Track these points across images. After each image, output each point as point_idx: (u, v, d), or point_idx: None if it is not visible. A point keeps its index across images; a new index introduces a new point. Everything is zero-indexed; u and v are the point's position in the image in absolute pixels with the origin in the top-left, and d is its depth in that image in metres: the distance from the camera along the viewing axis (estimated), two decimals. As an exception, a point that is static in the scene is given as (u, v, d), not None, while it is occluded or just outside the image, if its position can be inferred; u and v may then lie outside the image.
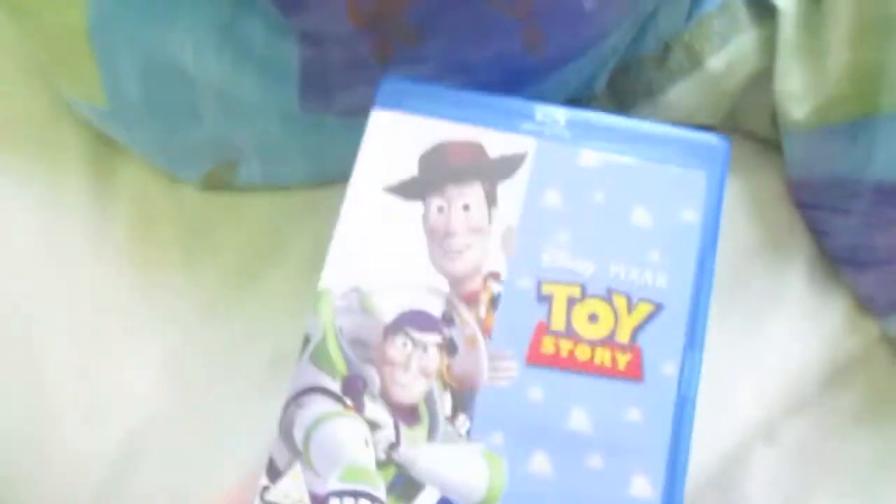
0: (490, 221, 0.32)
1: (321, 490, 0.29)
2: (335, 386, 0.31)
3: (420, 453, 0.29)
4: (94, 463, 0.39)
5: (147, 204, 0.43)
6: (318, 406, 0.30)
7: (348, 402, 0.30)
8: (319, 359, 0.31)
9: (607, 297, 0.31)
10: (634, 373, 0.30)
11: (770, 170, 0.40)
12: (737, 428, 0.36)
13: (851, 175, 0.37)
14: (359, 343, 0.31)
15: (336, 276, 0.32)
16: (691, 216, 0.32)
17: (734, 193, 0.39)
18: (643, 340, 0.30)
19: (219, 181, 0.43)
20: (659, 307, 0.31)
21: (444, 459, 0.29)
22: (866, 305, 0.38)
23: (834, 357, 0.37)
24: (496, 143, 0.33)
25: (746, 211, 0.39)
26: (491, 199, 0.33)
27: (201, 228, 0.42)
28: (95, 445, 0.39)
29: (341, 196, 0.33)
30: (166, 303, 0.41)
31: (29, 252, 0.42)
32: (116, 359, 0.40)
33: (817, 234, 0.38)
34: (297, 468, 0.30)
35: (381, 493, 0.29)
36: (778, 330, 0.38)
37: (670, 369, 0.30)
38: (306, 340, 0.31)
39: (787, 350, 0.37)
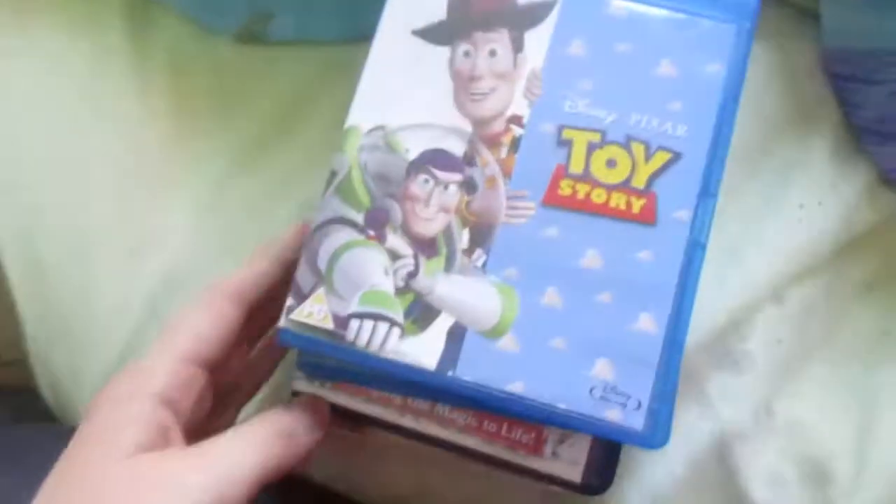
0: (515, 67, 0.33)
1: (343, 311, 0.31)
2: (358, 218, 0.32)
3: (437, 282, 0.31)
4: (130, 301, 0.41)
5: (183, 57, 0.43)
6: (341, 235, 0.32)
7: (371, 232, 0.32)
8: (344, 192, 0.32)
9: (626, 145, 0.32)
10: (648, 216, 0.31)
11: (805, 38, 0.39)
12: (746, 287, 0.37)
13: (888, 45, 0.36)
14: (382, 178, 0.32)
15: (362, 114, 0.33)
16: (716, 68, 0.32)
17: (766, 60, 0.39)
18: (659, 187, 0.31)
19: (252, 35, 0.43)
20: (677, 156, 0.31)
21: (459, 289, 0.31)
22: (888, 178, 0.38)
23: (850, 226, 0.38)
24: (526, -10, 0.33)
25: (777, 78, 0.39)
26: (517, 46, 0.33)
27: (235, 81, 0.43)
28: (133, 285, 0.41)
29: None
30: (201, 152, 0.42)
31: (71, 104, 0.43)
32: (154, 203, 0.42)
33: (846, 105, 0.38)
34: (321, 291, 0.31)
35: (398, 316, 0.31)
36: (797, 196, 0.38)
37: (683, 215, 0.31)
38: (332, 175, 0.33)
39: (804, 216, 0.38)
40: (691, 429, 0.37)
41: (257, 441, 0.29)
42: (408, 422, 0.33)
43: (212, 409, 0.32)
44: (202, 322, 0.32)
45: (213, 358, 0.31)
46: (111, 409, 0.29)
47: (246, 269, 0.33)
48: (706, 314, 0.37)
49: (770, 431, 0.36)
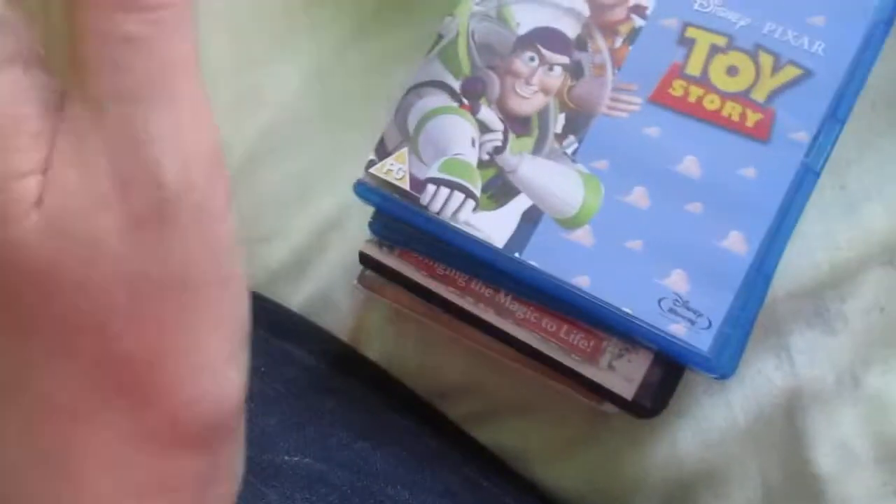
0: (650, -45, 0.31)
1: (421, 175, 0.30)
2: (456, 84, 0.31)
3: (523, 162, 0.30)
4: (232, 150, 0.42)
5: None
6: (435, 99, 0.31)
7: (465, 101, 0.31)
8: (446, 56, 0.31)
9: (753, 53, 0.29)
10: (762, 132, 0.28)
11: None
12: (857, 243, 0.34)
13: None
14: (488, 49, 0.31)
15: (480, -19, 0.32)
16: (873, -13, 0.29)
17: None
18: (780, 104, 0.29)
19: None
20: (808, 73, 0.29)
21: (543, 172, 0.30)
22: None
23: None
24: None
25: None
26: (657, -66, 0.31)
27: None
28: (236, 135, 0.42)
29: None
30: (323, 18, 0.42)
31: None
32: (268, 62, 0.42)
33: None
34: (404, 151, 0.31)
35: (476, 188, 0.30)
36: None
37: (802, 136, 0.28)
38: (438, 37, 0.32)
39: None
40: (763, 379, 0.34)
41: None
42: (468, 304, 0.32)
43: None
44: None
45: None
46: None
47: None
48: (806, 263, 0.34)
49: (852, 401, 0.33)
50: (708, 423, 0.34)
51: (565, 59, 0.30)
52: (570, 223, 0.29)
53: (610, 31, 0.30)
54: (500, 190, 0.30)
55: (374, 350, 0.39)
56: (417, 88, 0.31)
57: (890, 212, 0.34)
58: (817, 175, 0.28)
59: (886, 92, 0.35)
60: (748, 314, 0.28)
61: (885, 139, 0.35)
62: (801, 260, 0.34)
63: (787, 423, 0.34)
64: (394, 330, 0.38)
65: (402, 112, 0.31)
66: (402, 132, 0.31)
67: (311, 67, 0.42)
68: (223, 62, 0.43)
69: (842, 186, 0.35)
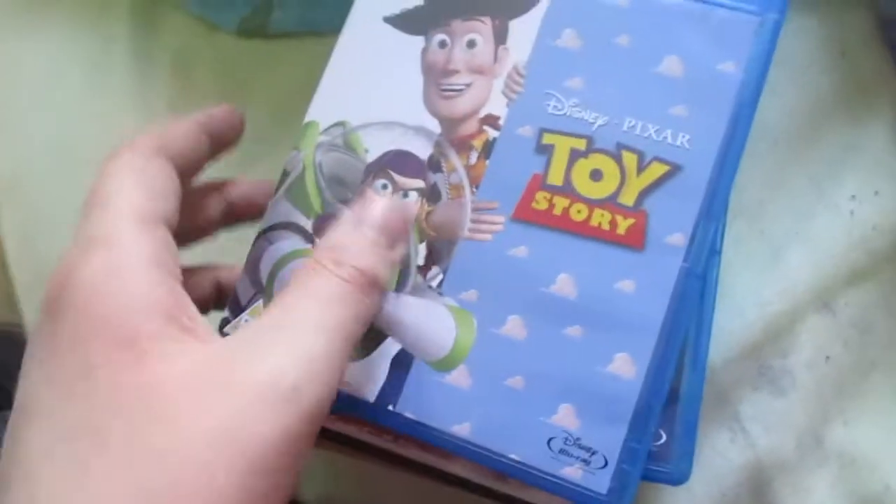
0: (496, 61, 0.29)
1: (280, 329, 0.28)
2: (308, 224, 0.29)
3: (386, 301, 0.27)
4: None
5: (185, 53, 0.42)
6: (287, 243, 0.28)
7: (318, 241, 0.28)
8: (295, 194, 0.29)
9: (615, 153, 0.27)
10: (635, 239, 0.26)
11: (858, 6, 0.33)
12: (788, 294, 0.32)
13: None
14: (338, 181, 0.29)
15: (323, 109, 0.29)
16: (730, 68, 0.27)
17: (814, 32, 0.33)
18: (651, 205, 0.26)
19: (254, 28, 0.41)
20: (676, 169, 0.26)
21: (410, 311, 0.27)
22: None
23: None
24: (515, -27, 0.29)
25: (827, 52, 0.33)
26: (500, 36, 0.29)
27: (237, 77, 0.41)
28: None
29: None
30: None
31: (75, 100, 0.42)
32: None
33: None
34: (259, 304, 0.28)
35: (340, 338, 0.27)
36: (850, 186, 0.32)
37: (678, 239, 0.26)
38: (284, 175, 0.29)
39: (857, 208, 0.32)
40: (721, 459, 0.31)
41: (333, 301, 0.22)
42: (387, 444, 0.28)
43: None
44: (139, 176, 0.24)
45: (171, 216, 0.25)
46: (93, 297, 0.22)
47: (162, 126, 0.27)
48: (738, 324, 0.32)
49: (817, 463, 0.31)
50: None
51: (420, 184, 0.28)
52: (444, 365, 0.26)
53: (464, 146, 0.28)
54: (365, 336, 0.27)
55: (312, 493, 0.36)
56: (267, 233, 0.29)
57: (812, 251, 0.32)
58: (700, 278, 0.26)
59: (785, 127, 0.33)
60: (646, 445, 0.25)
61: (792, 174, 0.33)
62: (733, 321, 0.32)
63: (755, 501, 0.31)
64: (332, 471, 0.35)
65: (252, 261, 0.29)
66: (254, 283, 0.28)
67: None
68: None
69: (760, 231, 0.33)
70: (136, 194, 0.24)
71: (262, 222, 0.29)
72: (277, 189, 0.29)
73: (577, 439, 0.25)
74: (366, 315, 0.24)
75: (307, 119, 0.29)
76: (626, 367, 0.25)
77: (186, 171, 0.27)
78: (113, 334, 0.21)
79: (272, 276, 0.28)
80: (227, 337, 0.23)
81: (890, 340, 0.31)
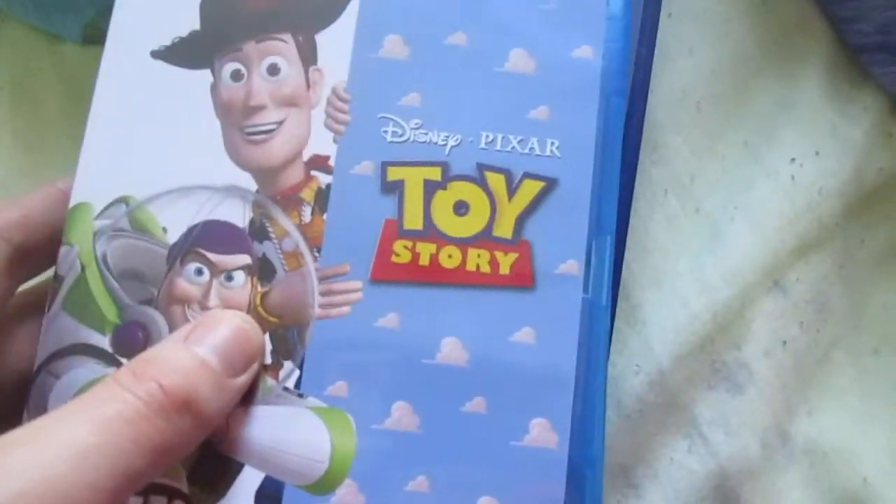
0: (308, 86, 0.23)
1: (94, 490, 0.20)
2: (103, 341, 0.21)
3: (231, 423, 0.21)
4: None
5: (28, 71, 0.33)
6: (80, 373, 0.21)
7: (123, 361, 0.21)
8: (77, 305, 0.22)
9: (478, 177, 0.22)
10: (523, 277, 0.22)
11: None
12: (733, 276, 0.28)
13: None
14: (133, 276, 0.22)
15: (92, 184, 0.22)
16: (587, 53, 0.23)
17: None
18: (533, 232, 0.22)
19: (101, 33, 0.33)
20: (551, 183, 0.22)
21: (264, 426, 0.21)
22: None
23: (861, 177, 0.29)
24: (310, -27, 0.23)
25: (746, 2, 0.30)
26: (308, 55, 0.23)
27: (88, 90, 0.33)
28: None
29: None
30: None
31: None
32: None
33: (838, 22, 0.29)
34: (58, 463, 0.21)
35: (180, 483, 0.21)
36: (788, 148, 0.29)
37: (571, 267, 0.22)
38: (57, 281, 0.22)
39: (798, 172, 0.29)
40: (681, 470, 0.28)
41: (108, 421, 0.18)
42: None
43: None
44: None
45: None
46: None
47: (9, 199, 0.22)
48: (683, 316, 0.28)
49: (787, 463, 0.28)
50: None
51: (244, 259, 0.22)
52: (325, 486, 0.21)
53: (291, 201, 0.22)
54: (212, 473, 0.21)
55: None
56: (50, 364, 0.21)
57: (754, 225, 0.29)
58: (606, 308, 0.22)
59: (707, 89, 0.29)
60: (589, 523, 0.21)
61: (723, 141, 0.30)
62: (678, 314, 0.28)
63: None
64: None
65: (37, 402, 0.21)
66: (47, 435, 0.21)
67: None
68: None
69: (695, 209, 0.29)
70: None
71: (40, 349, 0.21)
72: (51, 303, 0.22)
73: (508, 538, 0.20)
74: (163, 446, 0.18)
75: (74, 201, 0.22)
76: (547, 435, 0.21)
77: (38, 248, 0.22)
78: None
79: (69, 420, 0.21)
80: None
81: (848, 313, 0.29)
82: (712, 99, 0.29)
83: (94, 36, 0.34)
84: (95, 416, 0.18)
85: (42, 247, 0.22)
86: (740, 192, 0.29)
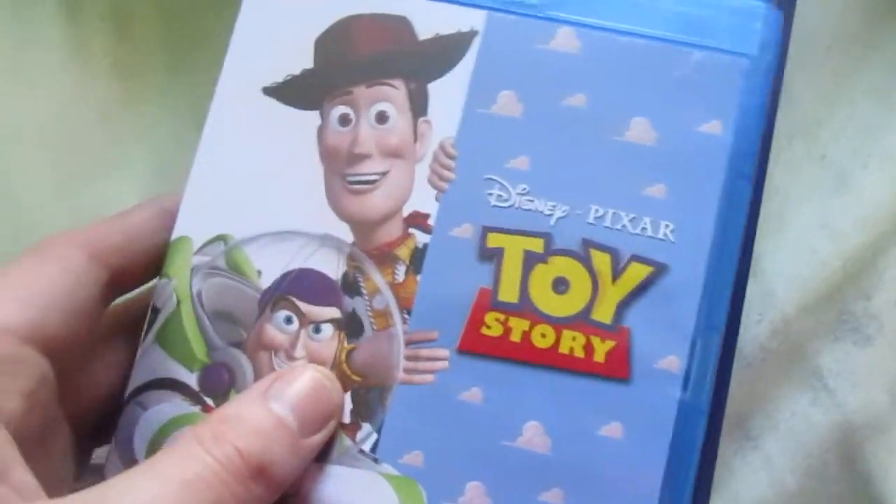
0: (416, 139, 0.22)
1: (169, 525, 0.21)
2: (191, 379, 0.22)
3: (305, 479, 0.21)
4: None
5: (128, 1, 0.34)
6: (166, 407, 0.22)
7: (209, 401, 0.22)
8: (170, 340, 0.22)
9: (583, 254, 0.21)
10: (618, 368, 0.20)
11: None
12: (863, 224, 0.27)
13: None
14: (225, 317, 0.22)
15: (195, 218, 0.22)
16: (716, 128, 0.21)
17: None
18: (634, 321, 0.20)
19: None
20: (660, 269, 0.21)
21: (338, 488, 0.21)
22: None
23: None
24: (429, 18, 0.22)
25: None
26: (418, 105, 0.22)
27: (190, 20, 0.34)
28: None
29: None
30: (153, 109, 0.33)
31: None
32: (100, 172, 0.33)
33: None
34: (138, 493, 0.21)
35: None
36: None
37: (672, 364, 0.20)
38: (153, 314, 0.22)
39: None
40: (803, 423, 0.27)
41: (189, 485, 0.18)
42: None
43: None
44: (37, 276, 0.20)
45: (58, 335, 0.20)
46: None
47: (112, 218, 0.23)
48: (811, 263, 0.27)
49: None
50: (751, 493, 0.27)
51: (334, 312, 0.22)
52: (391, 556, 0.20)
53: (386, 258, 0.22)
54: (283, 528, 0.21)
55: None
56: (139, 396, 0.22)
57: (886, 172, 0.27)
58: (703, 413, 0.20)
59: (836, 31, 0.28)
60: None
61: (853, 86, 0.28)
62: (805, 261, 0.27)
63: (846, 467, 0.27)
64: None
65: (124, 434, 0.22)
66: (127, 461, 0.21)
67: (148, 175, 0.32)
68: (43, 187, 0.33)
69: (822, 156, 0.28)
70: (8, 295, 0.20)
71: (132, 379, 0.22)
72: (145, 334, 0.22)
73: None
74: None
75: (176, 234, 0.22)
76: (624, 539, 0.20)
77: (137, 269, 0.22)
78: None
79: (151, 452, 0.21)
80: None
81: None
82: (841, 42, 0.28)
83: None
84: (177, 478, 0.18)
85: (139, 272, 0.22)
86: (871, 139, 0.27)
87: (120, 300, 0.23)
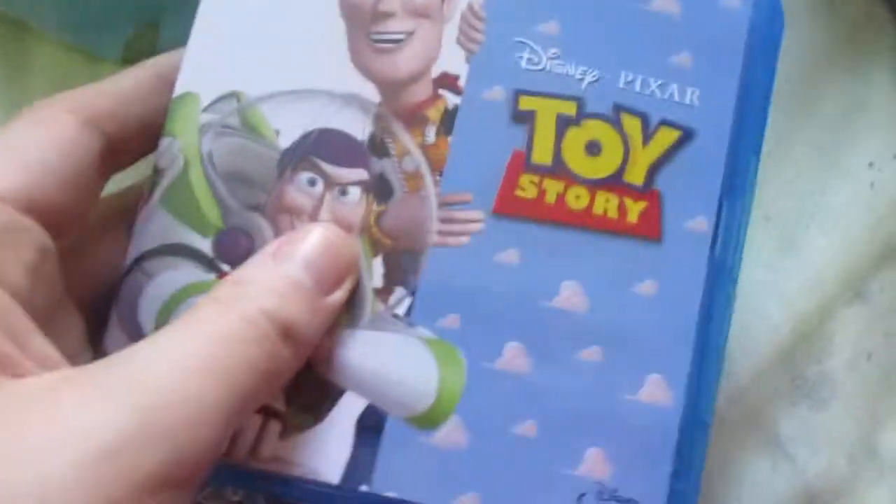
0: (443, -2, 0.21)
1: (184, 400, 0.19)
2: (204, 244, 0.20)
3: (336, 344, 0.20)
4: None
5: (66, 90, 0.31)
6: (177, 274, 0.20)
7: (225, 268, 0.20)
8: (178, 203, 0.20)
9: (614, 118, 0.21)
10: (650, 228, 0.21)
11: None
12: (812, 285, 0.28)
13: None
14: (240, 179, 0.20)
15: (201, 72, 0.21)
16: (737, 3, 0.22)
17: None
18: (664, 182, 0.21)
19: (141, 51, 0.31)
20: (688, 134, 0.21)
21: (371, 351, 0.20)
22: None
23: None
24: None
25: (813, 1, 0.29)
26: (445, -36, 0.21)
27: None
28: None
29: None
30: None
31: None
32: None
33: None
34: (146, 367, 0.19)
35: (278, 402, 0.19)
36: (865, 151, 0.29)
37: (701, 224, 0.21)
38: (157, 175, 0.20)
39: (877, 178, 0.28)
40: (765, 490, 0.27)
41: (229, 357, 0.17)
42: None
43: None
44: (31, 141, 0.19)
45: (56, 205, 0.18)
46: None
47: (102, 83, 0.20)
48: (762, 328, 0.28)
49: (876, 478, 0.28)
50: None
51: (361, 174, 0.20)
52: (429, 420, 0.20)
53: (415, 119, 0.21)
54: (313, 395, 0.20)
55: None
56: (144, 262, 0.20)
57: (832, 234, 0.29)
58: (733, 271, 0.21)
59: (779, 87, 0.29)
60: (694, 486, 0.20)
61: (795, 144, 0.29)
62: (756, 326, 0.27)
63: None
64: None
65: (126, 303, 0.20)
66: (132, 332, 0.19)
67: None
68: None
69: (766, 217, 0.28)
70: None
71: (133, 245, 0.20)
72: (149, 196, 0.20)
73: (614, 490, 0.20)
74: (268, 372, 0.17)
75: (179, 90, 0.20)
76: (660, 392, 0.20)
77: (136, 137, 0.20)
78: None
79: (161, 323, 0.20)
80: (53, 375, 0.16)
81: None
82: (782, 101, 0.28)
83: (134, 54, 0.32)
84: (210, 334, 0.16)
85: (135, 141, 0.20)
86: (815, 198, 0.28)
87: (117, 191, 0.21)
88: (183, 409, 0.15)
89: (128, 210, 0.21)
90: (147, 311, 0.20)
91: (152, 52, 0.30)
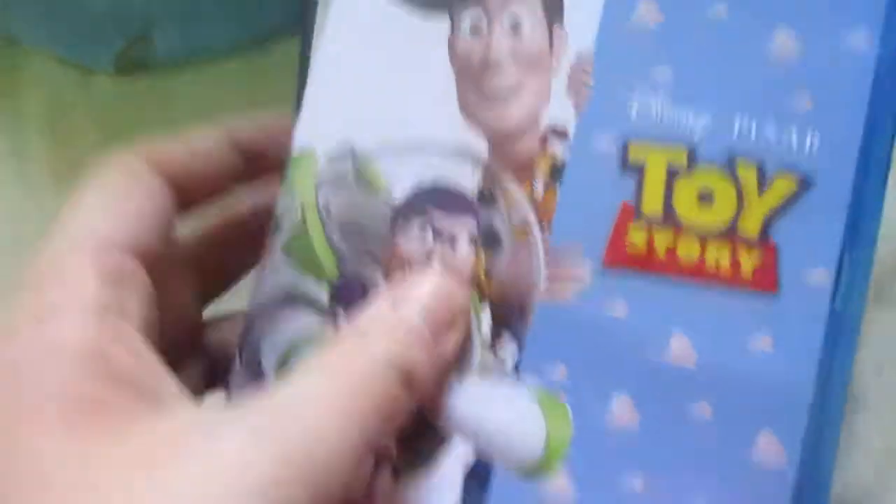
0: (552, 48, 0.21)
1: (303, 443, 0.20)
2: (321, 293, 0.21)
3: (445, 392, 0.20)
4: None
5: (60, 105, 0.34)
6: (297, 323, 0.21)
7: (341, 315, 0.21)
8: (296, 252, 0.21)
9: (728, 167, 0.21)
10: (766, 282, 0.20)
11: None
12: None
13: None
14: (355, 230, 0.21)
15: (319, 129, 0.21)
16: (862, 41, 0.21)
17: None
18: (781, 234, 0.20)
19: (133, 62, 0.33)
20: (806, 183, 0.20)
21: (480, 403, 0.20)
22: None
23: None
24: (563, -78, 0.21)
25: None
26: (553, 12, 0.21)
27: (124, 121, 0.34)
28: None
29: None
30: None
31: None
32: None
33: None
34: (268, 411, 0.21)
35: (390, 447, 0.20)
36: None
37: (820, 278, 0.20)
38: (276, 224, 0.21)
39: None
40: None
41: (361, 399, 0.17)
42: None
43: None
44: (124, 190, 0.20)
45: (153, 249, 0.20)
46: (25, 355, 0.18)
47: (176, 141, 0.22)
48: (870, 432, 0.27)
49: None
50: None
51: (471, 225, 0.21)
52: (537, 471, 0.20)
53: (524, 171, 0.21)
54: (423, 444, 0.20)
55: None
56: (267, 309, 0.21)
57: None
58: (856, 327, 0.20)
59: None
60: (808, 549, 0.20)
61: None
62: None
63: None
64: None
65: (251, 347, 0.21)
66: (255, 374, 0.21)
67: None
68: None
69: None
70: (95, 213, 0.20)
71: (255, 293, 0.21)
72: (270, 247, 0.21)
73: (723, 551, 0.19)
74: (390, 415, 0.18)
75: (297, 146, 0.21)
76: (773, 452, 0.20)
77: (199, 192, 0.22)
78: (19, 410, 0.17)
79: (281, 369, 0.21)
80: (206, 412, 0.18)
81: None
82: None
83: (127, 66, 0.34)
84: (342, 379, 0.17)
85: (201, 194, 0.22)
86: None
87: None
88: (323, 450, 0.16)
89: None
90: (269, 355, 0.21)
91: (145, 63, 0.32)
